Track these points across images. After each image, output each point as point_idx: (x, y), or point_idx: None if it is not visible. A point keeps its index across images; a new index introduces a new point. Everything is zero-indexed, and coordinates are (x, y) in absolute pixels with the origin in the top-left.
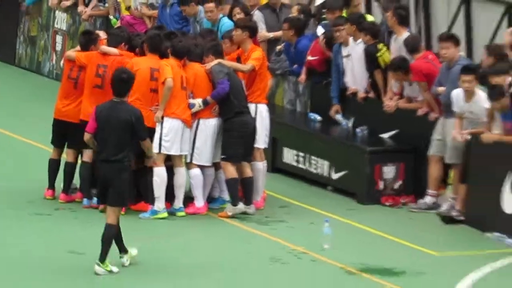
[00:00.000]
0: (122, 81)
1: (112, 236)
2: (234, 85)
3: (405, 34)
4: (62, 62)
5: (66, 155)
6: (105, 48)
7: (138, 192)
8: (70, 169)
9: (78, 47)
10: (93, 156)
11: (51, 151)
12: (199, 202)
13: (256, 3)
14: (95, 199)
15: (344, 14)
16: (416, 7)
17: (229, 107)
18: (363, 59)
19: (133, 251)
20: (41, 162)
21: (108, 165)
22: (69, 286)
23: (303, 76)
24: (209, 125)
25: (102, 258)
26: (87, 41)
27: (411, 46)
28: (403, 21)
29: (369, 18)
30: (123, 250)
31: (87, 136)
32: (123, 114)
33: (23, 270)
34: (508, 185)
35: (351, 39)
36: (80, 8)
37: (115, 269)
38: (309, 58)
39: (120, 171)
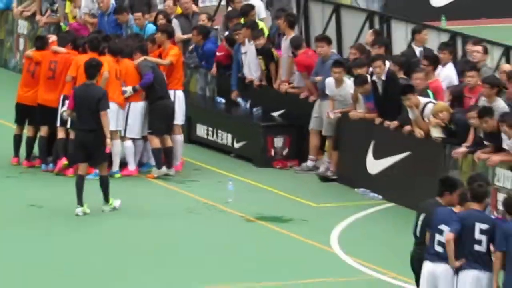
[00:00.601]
0: (92, 67)
1: (107, 182)
2: (157, 76)
3: (292, 35)
4: (23, 59)
5: (27, 131)
6: (55, 47)
7: None
8: (30, 141)
9: (34, 48)
10: (48, 131)
11: (15, 128)
12: (131, 166)
13: (174, 11)
14: (50, 165)
15: (241, 21)
16: (298, 14)
17: (154, 93)
18: (256, 57)
19: (116, 202)
20: (8, 136)
21: (88, 134)
22: (27, 233)
23: (214, 69)
24: (138, 107)
25: (106, 199)
26: (42, 43)
27: (295, 44)
28: (292, 25)
29: (260, 24)
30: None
31: (68, 112)
32: (94, 92)
33: None
34: (370, 152)
35: (246, 40)
36: (38, 17)
37: (117, 203)
38: (218, 54)
39: (98, 137)
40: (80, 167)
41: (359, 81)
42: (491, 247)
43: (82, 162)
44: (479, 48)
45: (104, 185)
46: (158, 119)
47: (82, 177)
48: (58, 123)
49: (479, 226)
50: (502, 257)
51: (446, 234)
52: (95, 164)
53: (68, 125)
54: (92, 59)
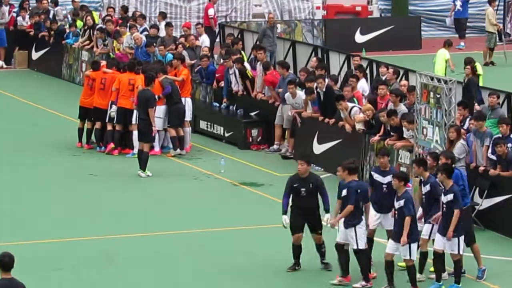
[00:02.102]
0: (148, 78)
1: (147, 157)
2: (173, 88)
3: (265, 60)
4: (83, 77)
5: (87, 125)
6: (105, 69)
7: (125, 143)
8: (89, 132)
9: (91, 69)
10: (101, 125)
11: (78, 122)
12: (157, 148)
13: (184, 45)
14: (102, 147)
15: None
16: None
17: (171, 100)
18: (238, 76)
19: (149, 172)
20: (74, 128)
21: (141, 121)
22: (87, 190)
23: (215, 84)
24: (161, 109)
25: (144, 168)
26: (96, 66)
27: (265, 67)
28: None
29: (243, 54)
30: (142, 168)
31: (134, 106)
32: (146, 94)
33: (59, 178)
34: (315, 138)
35: (233, 65)
36: (94, 49)
37: (150, 173)
38: (217, 75)
39: (147, 125)
40: (139, 145)
41: (308, 91)
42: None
43: (140, 141)
44: (390, 70)
45: (144, 158)
46: (174, 116)
47: (141, 151)
48: (107, 120)
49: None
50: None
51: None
52: (144, 141)
53: (114, 121)
54: (150, 73)
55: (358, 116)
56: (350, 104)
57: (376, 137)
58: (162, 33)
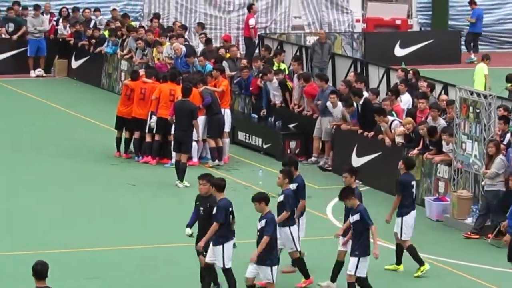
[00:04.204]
0: (187, 90)
1: (185, 166)
2: (213, 99)
3: (300, 71)
4: (122, 86)
5: (125, 134)
6: (144, 79)
7: (164, 153)
8: (127, 141)
9: (130, 79)
10: (139, 135)
11: (116, 132)
12: (195, 159)
13: (225, 55)
14: (140, 157)
15: (275, 61)
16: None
17: (211, 110)
18: (277, 87)
19: (186, 183)
20: (112, 137)
21: (182, 133)
22: (124, 198)
23: (253, 98)
24: (201, 119)
25: (182, 178)
26: (135, 75)
27: (305, 78)
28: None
29: (282, 66)
30: (180, 179)
31: (170, 117)
32: (188, 106)
33: (97, 187)
34: (354, 152)
35: (274, 78)
36: (134, 58)
37: (187, 184)
38: (251, 88)
39: (188, 136)
40: (176, 155)
41: (347, 104)
42: None
43: (177, 152)
44: (425, 84)
45: (182, 168)
46: (214, 127)
47: (178, 161)
48: (147, 130)
49: None
50: None
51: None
52: (183, 152)
53: (154, 131)
54: (188, 84)
55: (398, 129)
56: (390, 118)
57: (415, 151)
58: (196, 42)
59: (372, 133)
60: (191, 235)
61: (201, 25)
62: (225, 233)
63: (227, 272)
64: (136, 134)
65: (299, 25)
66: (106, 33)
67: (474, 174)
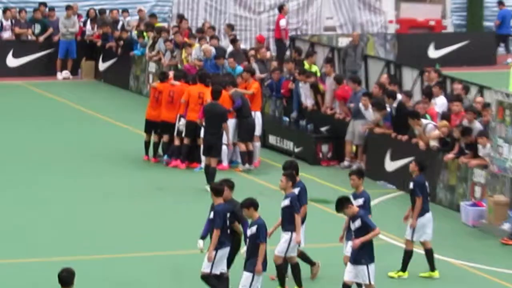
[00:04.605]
0: (217, 92)
1: (215, 171)
2: (244, 102)
3: (333, 75)
4: (150, 88)
5: (153, 138)
6: (173, 82)
7: (193, 157)
8: (156, 145)
9: (158, 81)
10: (168, 139)
11: (144, 135)
12: (225, 163)
13: (254, 57)
14: (169, 157)
15: (306, 63)
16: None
17: (242, 113)
18: (309, 90)
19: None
20: (140, 141)
21: (211, 136)
22: (153, 204)
23: (284, 100)
24: (231, 123)
25: (209, 181)
26: (163, 76)
27: (338, 80)
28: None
29: (313, 68)
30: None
31: (199, 120)
32: (218, 109)
33: (125, 191)
34: (388, 155)
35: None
36: (163, 60)
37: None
38: (282, 91)
39: (218, 139)
40: (206, 159)
41: (379, 108)
42: None
43: (207, 156)
44: (459, 86)
45: (212, 173)
46: (244, 131)
47: (208, 166)
48: (175, 133)
49: None
50: None
51: None
52: (212, 156)
53: (183, 134)
54: (217, 86)
55: (433, 133)
56: (424, 121)
57: (451, 155)
58: (226, 44)
59: (406, 136)
60: (202, 251)
61: (231, 27)
62: (221, 239)
63: (208, 279)
64: (165, 138)
65: (331, 26)
66: (136, 33)
67: (511, 179)
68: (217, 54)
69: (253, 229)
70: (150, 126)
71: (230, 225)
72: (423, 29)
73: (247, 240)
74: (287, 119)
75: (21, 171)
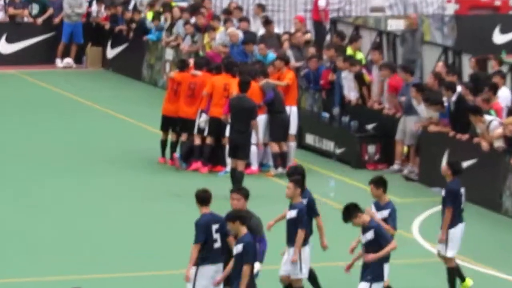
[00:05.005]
0: (245, 84)
1: (243, 175)
2: (276, 94)
3: (381, 63)
4: (167, 79)
5: (171, 137)
6: (194, 72)
7: (217, 159)
8: (174, 144)
9: (177, 70)
10: (187, 137)
11: (161, 134)
12: (254, 166)
13: (289, 43)
14: (188, 164)
15: (349, 49)
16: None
17: (274, 108)
18: (353, 80)
19: None
20: (155, 140)
21: (238, 135)
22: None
23: (324, 93)
24: (261, 119)
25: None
26: (183, 65)
27: (390, 68)
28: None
29: (358, 55)
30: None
31: (223, 116)
32: (246, 103)
33: (137, 199)
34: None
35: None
36: (182, 45)
37: None
38: (321, 82)
39: (246, 138)
40: (232, 162)
41: (431, 101)
42: None
43: (233, 157)
44: None
45: (239, 177)
46: (277, 129)
47: (234, 169)
48: (195, 131)
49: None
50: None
51: None
52: (238, 158)
53: (205, 133)
54: (245, 77)
55: (497, 131)
56: (488, 117)
57: None
58: (256, 27)
59: (467, 135)
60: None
61: (261, 7)
62: (203, 254)
63: None
64: (184, 137)
65: (379, 6)
66: (150, 15)
67: None
68: (245, 39)
69: (239, 247)
70: (167, 122)
71: (222, 239)
72: (487, 9)
73: (234, 259)
74: (327, 115)
75: (13, 171)
